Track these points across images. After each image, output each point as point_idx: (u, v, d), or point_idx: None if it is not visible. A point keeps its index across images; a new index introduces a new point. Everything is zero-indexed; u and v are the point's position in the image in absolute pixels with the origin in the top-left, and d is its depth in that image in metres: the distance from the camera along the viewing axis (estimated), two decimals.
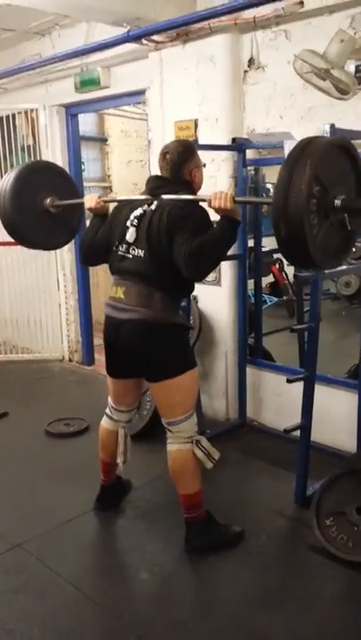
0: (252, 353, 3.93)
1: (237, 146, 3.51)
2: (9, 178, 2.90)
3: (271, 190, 6.22)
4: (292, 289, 5.73)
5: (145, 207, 2.47)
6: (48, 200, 2.96)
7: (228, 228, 2.29)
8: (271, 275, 5.96)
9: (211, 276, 3.85)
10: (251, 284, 4.05)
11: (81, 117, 5.23)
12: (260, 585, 2.40)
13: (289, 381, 2.83)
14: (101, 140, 6.62)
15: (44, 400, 4.51)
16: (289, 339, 4.24)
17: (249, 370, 3.82)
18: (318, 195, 1.85)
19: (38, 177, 2.98)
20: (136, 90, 4.20)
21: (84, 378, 5.06)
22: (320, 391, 3.03)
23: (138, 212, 2.47)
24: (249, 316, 3.87)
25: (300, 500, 2.91)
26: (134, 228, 2.45)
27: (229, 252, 3.72)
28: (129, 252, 2.48)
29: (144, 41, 3.78)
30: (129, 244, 2.47)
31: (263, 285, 4.85)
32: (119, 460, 2.79)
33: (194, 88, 3.70)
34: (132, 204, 2.54)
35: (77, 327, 5.39)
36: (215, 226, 2.32)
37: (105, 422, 2.84)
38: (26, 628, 2.17)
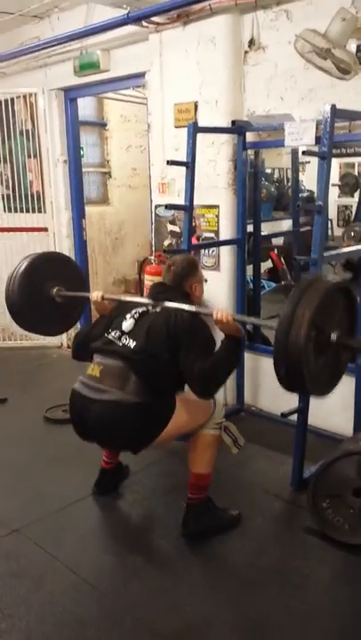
0: (250, 338, 3.92)
1: (237, 128, 3.48)
2: (23, 263, 3.04)
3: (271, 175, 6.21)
4: (290, 274, 5.72)
5: (149, 308, 2.53)
6: (55, 289, 3.06)
7: (233, 347, 2.39)
8: (270, 260, 5.93)
9: (210, 262, 3.84)
10: (249, 269, 4.04)
11: (80, 102, 5.19)
12: (257, 567, 2.41)
13: None
14: (101, 125, 6.58)
15: (42, 386, 4.51)
16: None
17: (247, 355, 3.81)
18: (317, 333, 2.01)
19: (51, 266, 3.12)
20: (136, 73, 4.16)
21: (83, 364, 5.03)
22: None
23: (141, 309, 2.54)
24: (247, 301, 3.85)
25: (297, 484, 2.92)
26: (133, 321, 2.51)
27: (228, 237, 3.74)
28: (120, 340, 2.49)
29: (144, 23, 3.75)
30: (123, 333, 2.50)
31: (262, 271, 4.84)
32: None
33: (194, 70, 3.66)
34: (135, 304, 2.60)
35: None
36: (221, 345, 2.40)
37: None
38: (24, 612, 2.17)
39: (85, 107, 6.09)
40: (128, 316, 2.53)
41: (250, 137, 3.56)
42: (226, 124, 3.52)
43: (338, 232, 6.11)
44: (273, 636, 2.06)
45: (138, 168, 6.63)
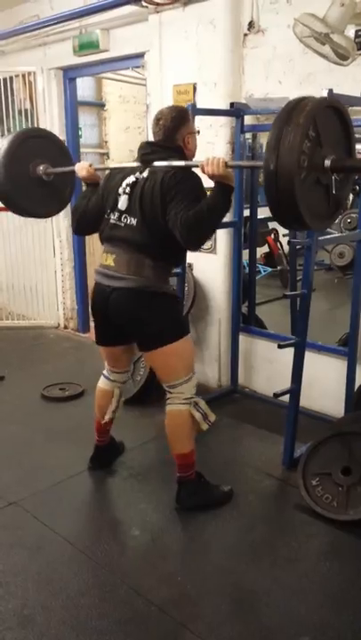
0: (245, 321, 3.96)
1: (236, 111, 3.49)
2: (2, 144, 2.87)
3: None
4: (286, 259, 5.75)
5: (137, 175, 2.45)
6: (41, 167, 2.94)
7: (222, 195, 2.27)
8: (266, 245, 5.97)
9: (206, 244, 3.86)
10: (246, 254, 4.08)
11: (79, 82, 5.16)
12: (248, 541, 2.48)
13: (280, 346, 2.87)
14: (99, 106, 6.54)
15: (39, 365, 4.55)
16: (282, 308, 4.29)
17: (242, 337, 3.86)
18: (309, 153, 1.80)
19: (33, 144, 2.95)
20: (135, 53, 4.15)
21: (80, 344, 5.10)
22: (310, 358, 3.09)
23: (130, 179, 2.46)
24: (243, 285, 3.90)
25: (288, 462, 2.99)
26: (126, 196, 2.45)
27: (225, 220, 3.76)
28: (121, 221, 2.47)
29: (144, 3, 3.73)
30: (121, 212, 2.47)
31: (258, 256, 4.88)
32: (107, 417, 2.85)
33: (193, 51, 3.66)
34: (124, 172, 2.52)
35: (73, 294, 5.41)
36: (209, 193, 2.31)
37: (102, 382, 2.90)
38: (21, 581, 2.24)
39: (84, 87, 6.04)
40: (120, 190, 2.46)
41: (248, 120, 3.57)
42: (224, 106, 3.53)
43: None
44: (262, 606, 2.13)
45: (136, 149, 6.60)
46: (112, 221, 2.51)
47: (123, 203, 2.45)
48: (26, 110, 5.12)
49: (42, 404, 3.88)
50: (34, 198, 2.99)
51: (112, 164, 2.60)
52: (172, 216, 2.28)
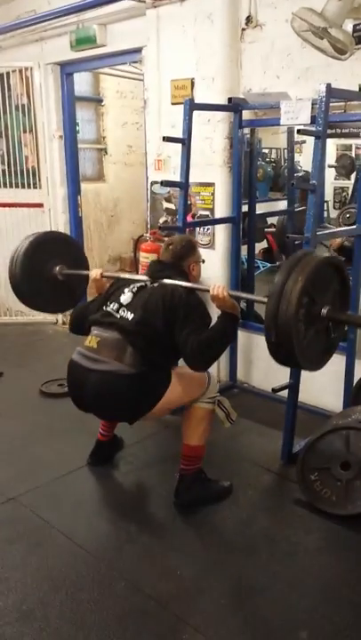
0: (243, 316, 3.95)
1: (234, 106, 3.48)
2: (24, 243, 3.08)
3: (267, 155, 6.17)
4: (284, 255, 5.75)
5: (148, 283, 2.56)
6: (57, 268, 3.11)
7: (230, 323, 2.43)
8: (265, 240, 5.96)
9: (205, 239, 3.86)
10: (244, 249, 4.07)
11: (76, 77, 5.15)
12: (247, 535, 2.49)
13: None
14: (97, 101, 6.53)
15: (37, 361, 4.56)
16: None
17: (240, 333, 3.86)
18: (307, 305, 2.04)
19: (52, 245, 3.16)
20: (133, 48, 4.14)
21: (78, 340, 5.06)
22: None
23: (139, 284, 2.57)
24: (242, 280, 3.89)
25: (287, 457, 3.00)
26: (131, 294, 2.54)
27: (223, 215, 3.77)
28: (117, 312, 2.52)
29: None
30: (121, 305, 2.53)
31: (257, 251, 4.87)
32: None
33: (191, 46, 3.65)
34: (133, 281, 2.62)
35: None
36: (217, 320, 2.43)
37: None
38: (20, 576, 2.24)
39: (81, 82, 6.04)
40: (127, 289, 2.57)
41: (246, 115, 3.57)
42: (222, 101, 3.52)
43: (334, 214, 6.13)
44: (261, 600, 2.14)
45: (134, 145, 6.60)
46: (108, 310, 2.56)
47: (126, 298, 2.54)
48: (23, 106, 5.11)
49: (40, 399, 3.88)
50: (45, 295, 3.16)
51: (127, 275, 2.77)
52: (183, 334, 2.37)
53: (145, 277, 2.62)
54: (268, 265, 5.82)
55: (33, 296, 3.14)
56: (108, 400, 2.48)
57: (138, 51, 4.09)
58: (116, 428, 3.05)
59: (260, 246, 5.87)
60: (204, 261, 2.79)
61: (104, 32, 4.28)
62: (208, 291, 2.42)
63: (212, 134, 3.63)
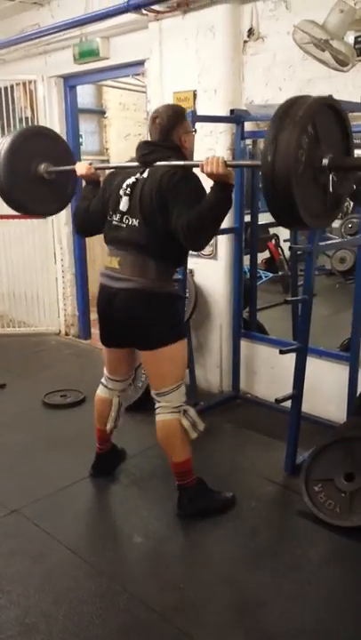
0: (246, 326, 3.96)
1: (236, 117, 3.50)
2: (3, 144, 2.87)
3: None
4: (287, 265, 5.76)
5: (137, 175, 2.46)
6: (42, 166, 2.94)
7: (222, 194, 2.25)
8: (267, 251, 5.97)
9: (207, 250, 3.87)
10: (247, 259, 4.08)
11: (79, 89, 5.18)
12: (250, 547, 2.47)
13: (282, 352, 2.87)
14: (100, 113, 6.58)
15: (40, 372, 4.55)
16: (283, 314, 4.28)
17: (243, 343, 3.86)
18: (307, 148, 1.79)
19: (33, 143, 2.95)
20: (135, 61, 4.17)
21: (81, 351, 5.10)
22: (312, 364, 3.08)
23: (130, 180, 2.47)
24: (244, 290, 3.90)
25: (290, 468, 2.98)
26: (127, 197, 2.46)
27: (225, 225, 3.77)
28: (123, 222, 2.48)
29: (144, 11, 3.75)
30: (123, 214, 2.48)
31: (259, 261, 4.87)
32: (108, 426, 2.84)
33: (193, 59, 3.67)
34: (125, 172, 2.54)
35: (74, 301, 5.41)
36: (209, 192, 2.30)
37: (100, 391, 2.89)
38: (22, 589, 2.23)
39: (84, 94, 6.08)
40: (121, 192, 2.47)
41: (248, 126, 3.58)
42: (224, 113, 3.54)
43: (336, 224, 6.14)
44: (265, 613, 2.12)
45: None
46: (115, 223, 2.52)
47: (124, 204, 2.47)
48: (27, 118, 5.13)
49: (43, 410, 3.87)
50: (34, 196, 2.99)
51: (112, 162, 2.63)
52: (174, 217, 2.30)
53: (136, 163, 2.50)
54: (271, 275, 5.82)
55: (18, 194, 2.94)
56: (135, 315, 2.49)
57: (140, 63, 4.13)
58: (118, 440, 3.04)
59: (263, 256, 5.88)
60: (195, 131, 2.60)
61: (107, 45, 4.31)
62: (198, 166, 2.26)
63: (214, 146, 3.64)
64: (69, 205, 3.33)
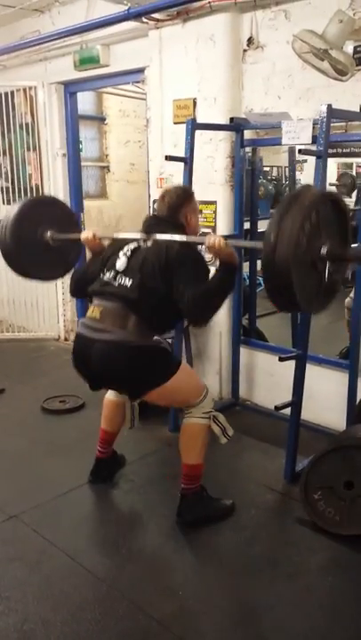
0: (245, 333, 3.97)
1: (235, 126, 3.52)
2: (12, 210, 2.96)
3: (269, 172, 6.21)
4: None
5: (141, 243, 2.52)
6: (48, 233, 3.01)
7: (228, 275, 2.35)
8: None
9: (207, 257, 3.86)
10: (246, 266, 4.09)
11: (79, 96, 5.21)
12: (249, 555, 2.47)
13: (281, 359, 2.87)
14: (99, 119, 6.61)
15: (40, 378, 4.55)
16: (282, 321, 4.29)
17: (242, 350, 3.86)
18: (307, 236, 1.90)
19: (41, 210, 3.05)
20: (135, 68, 4.20)
21: None
22: (311, 371, 3.08)
23: (133, 245, 2.53)
24: (243, 298, 3.90)
25: (290, 476, 2.98)
26: (126, 258, 2.50)
27: (225, 233, 3.79)
28: (115, 280, 2.49)
29: (144, 19, 3.78)
30: (117, 273, 2.50)
31: (258, 268, 4.87)
32: (126, 427, 2.86)
33: (193, 67, 3.70)
34: (128, 241, 2.58)
35: (73, 307, 5.42)
36: (214, 273, 2.36)
37: (110, 394, 2.91)
38: (21, 595, 2.22)
39: (84, 101, 6.10)
40: (121, 254, 2.52)
41: (248, 134, 3.61)
42: (224, 121, 3.56)
43: None
44: (264, 621, 2.12)
45: (136, 163, 6.67)
46: (105, 279, 2.53)
47: (121, 264, 2.50)
48: (27, 124, 5.16)
49: (42, 416, 3.87)
50: (38, 262, 3.05)
51: (120, 234, 2.66)
52: (179, 290, 2.32)
53: (139, 235, 2.54)
54: None
55: (22, 260, 2.99)
56: (113, 367, 2.44)
57: (140, 71, 4.15)
58: (118, 446, 3.04)
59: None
60: (201, 212, 2.68)
61: (107, 52, 4.34)
62: (203, 243, 2.32)
63: (213, 153, 3.66)
64: None
